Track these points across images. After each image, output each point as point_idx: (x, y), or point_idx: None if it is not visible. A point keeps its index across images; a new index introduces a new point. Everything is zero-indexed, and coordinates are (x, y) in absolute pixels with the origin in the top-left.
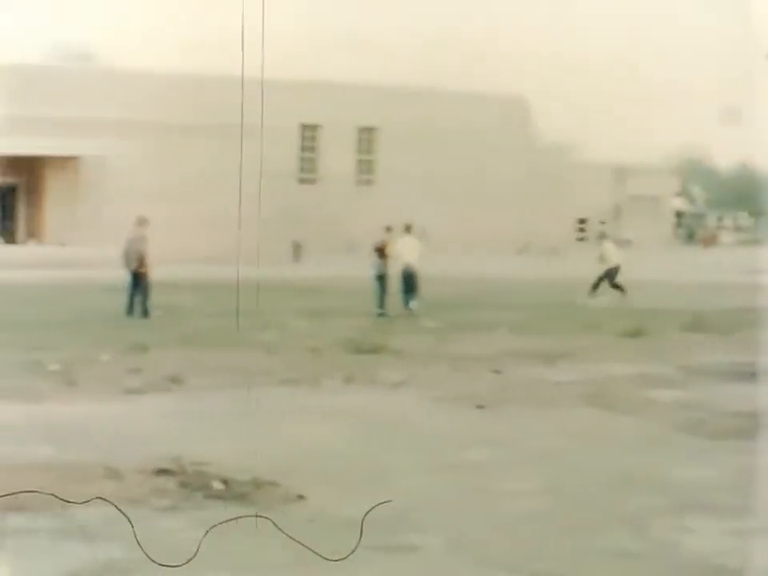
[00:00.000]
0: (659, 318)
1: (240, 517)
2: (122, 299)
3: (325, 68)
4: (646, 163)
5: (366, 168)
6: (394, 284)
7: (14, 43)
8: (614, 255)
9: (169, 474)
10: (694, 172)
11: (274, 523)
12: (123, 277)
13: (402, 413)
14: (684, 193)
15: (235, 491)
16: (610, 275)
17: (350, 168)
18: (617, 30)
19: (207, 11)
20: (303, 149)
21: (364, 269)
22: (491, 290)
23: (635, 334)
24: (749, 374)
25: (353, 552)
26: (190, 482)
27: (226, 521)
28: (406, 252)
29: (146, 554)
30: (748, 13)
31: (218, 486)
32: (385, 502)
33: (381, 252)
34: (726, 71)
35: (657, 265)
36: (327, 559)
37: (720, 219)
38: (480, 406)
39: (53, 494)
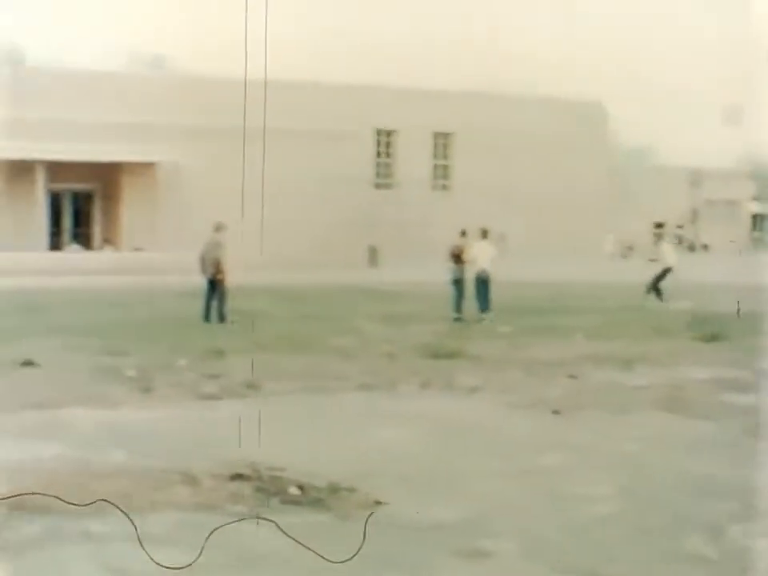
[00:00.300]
0: (735, 321)
1: (242, 519)
2: (199, 305)
3: (397, 73)
4: (722, 167)
5: (441, 173)
6: (470, 289)
7: (87, 50)
8: (669, 256)
9: (244, 479)
10: None
11: (277, 525)
12: (200, 282)
13: (477, 418)
14: (761, 196)
15: (311, 497)
16: (661, 276)
17: (426, 173)
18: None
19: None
20: (379, 154)
21: (440, 273)
22: (568, 295)
23: (711, 338)
24: None
25: (356, 553)
26: (266, 488)
27: (226, 524)
28: (480, 257)
29: (150, 557)
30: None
31: (294, 491)
32: (385, 503)
33: (457, 257)
34: (728, 71)
35: (733, 269)
36: (330, 561)
37: None
38: (555, 411)
39: (56, 496)
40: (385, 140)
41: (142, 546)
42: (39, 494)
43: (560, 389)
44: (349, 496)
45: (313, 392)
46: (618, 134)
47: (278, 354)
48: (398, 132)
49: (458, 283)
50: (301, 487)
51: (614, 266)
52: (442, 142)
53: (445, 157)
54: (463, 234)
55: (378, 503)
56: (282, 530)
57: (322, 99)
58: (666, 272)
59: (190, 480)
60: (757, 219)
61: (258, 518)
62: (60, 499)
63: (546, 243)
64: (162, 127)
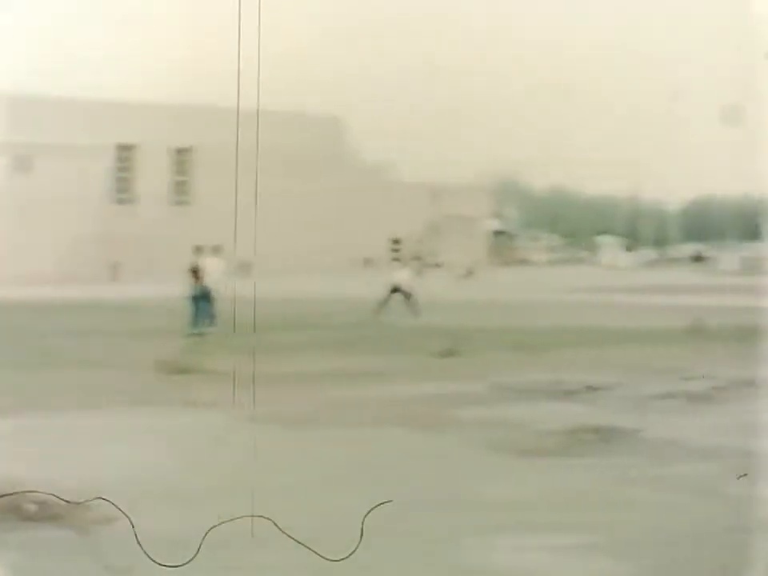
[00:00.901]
0: (472, 337)
1: (238, 517)
2: None
3: (137, 88)
4: (461, 183)
5: (180, 189)
6: (204, 304)
7: None
8: (213, 272)
9: None
10: (507, 192)
11: (275, 524)
12: None
13: (214, 433)
14: (498, 213)
15: (49, 513)
16: (391, 294)
17: (165, 189)
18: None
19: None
20: (119, 169)
21: (179, 289)
22: (308, 310)
23: (447, 353)
24: (562, 392)
25: (354, 552)
26: (4, 504)
27: (224, 521)
28: (210, 273)
29: (147, 555)
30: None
31: (30, 507)
32: (386, 502)
33: (194, 273)
34: (727, 71)
35: (469, 284)
36: (327, 559)
37: (533, 240)
38: (293, 427)
39: (52, 494)
40: (124, 155)
41: (139, 544)
42: (35, 491)
43: (298, 404)
44: (86, 512)
45: (49, 408)
46: (359, 148)
47: (15, 370)
48: (137, 147)
49: (195, 299)
50: (38, 503)
51: (354, 281)
52: (180, 157)
53: (183, 173)
54: (198, 250)
55: (115, 518)
56: (280, 528)
57: (62, 114)
58: (396, 290)
59: None
60: (497, 236)
61: (255, 516)
62: (56, 497)
63: (288, 258)
64: None
